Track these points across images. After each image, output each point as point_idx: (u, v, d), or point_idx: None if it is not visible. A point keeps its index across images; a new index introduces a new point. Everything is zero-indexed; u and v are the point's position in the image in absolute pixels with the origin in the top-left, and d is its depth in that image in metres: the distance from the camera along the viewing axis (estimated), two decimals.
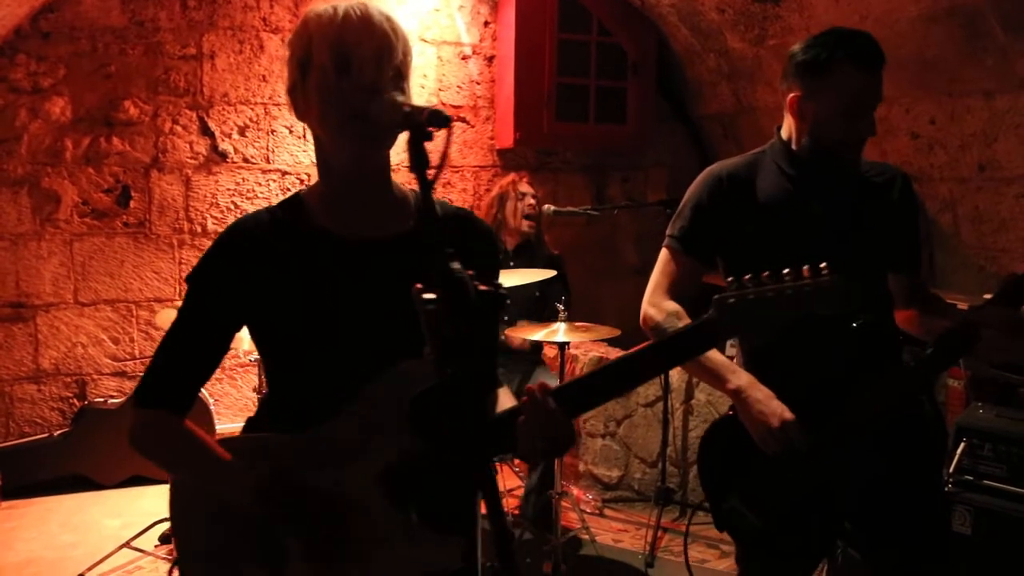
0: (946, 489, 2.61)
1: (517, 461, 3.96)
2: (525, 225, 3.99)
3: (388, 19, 1.30)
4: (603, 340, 3.63)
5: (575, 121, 4.85)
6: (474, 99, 5.00)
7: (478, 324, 0.98)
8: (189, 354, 1.39)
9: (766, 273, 1.32)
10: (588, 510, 4.05)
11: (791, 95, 1.98)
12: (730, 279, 1.32)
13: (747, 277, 1.32)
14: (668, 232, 2.08)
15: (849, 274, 1.88)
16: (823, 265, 1.33)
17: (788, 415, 1.85)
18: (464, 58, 4.96)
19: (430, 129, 1.08)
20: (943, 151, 3.68)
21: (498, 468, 3.98)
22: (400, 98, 1.15)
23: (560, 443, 1.27)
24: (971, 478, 2.62)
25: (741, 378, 1.94)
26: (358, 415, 1.31)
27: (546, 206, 4.01)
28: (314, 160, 1.43)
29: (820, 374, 1.93)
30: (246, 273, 1.35)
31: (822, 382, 1.92)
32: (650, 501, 3.97)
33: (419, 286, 0.98)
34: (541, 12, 4.67)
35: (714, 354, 1.99)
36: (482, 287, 0.97)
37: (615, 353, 4.30)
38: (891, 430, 1.94)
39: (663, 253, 2.09)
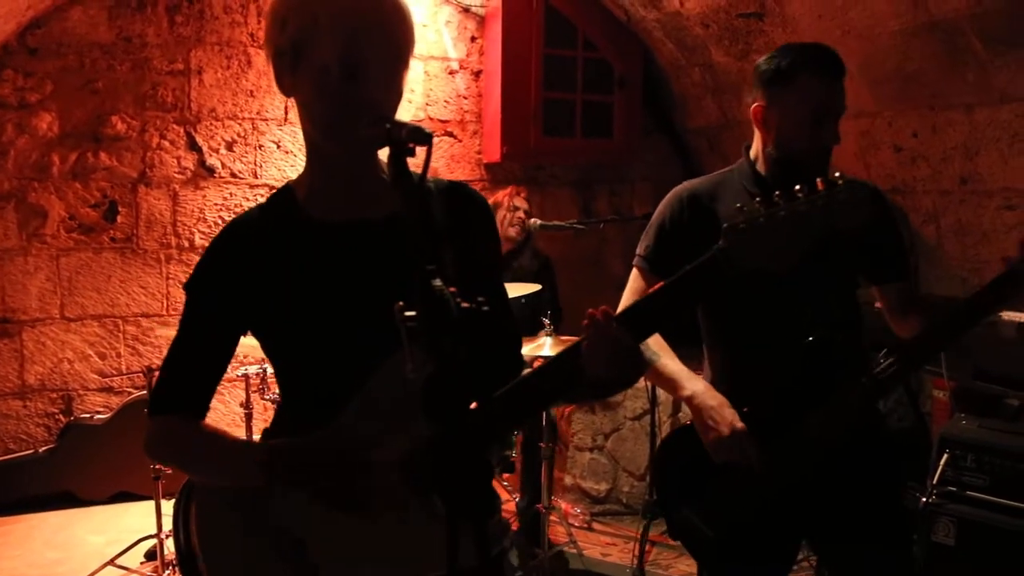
0: (929, 500, 2.63)
1: (507, 476, 3.95)
2: (513, 232, 4.03)
3: (403, 13, 1.25)
4: None
5: (562, 135, 4.87)
6: (461, 114, 5.03)
7: (461, 340, 0.98)
8: (196, 361, 1.37)
9: (778, 192, 1.21)
10: (576, 524, 4.05)
11: (755, 105, 2.01)
12: (740, 204, 1.22)
13: (757, 199, 1.21)
14: (637, 251, 2.11)
15: (812, 289, 1.93)
16: (837, 174, 1.22)
17: (739, 424, 1.86)
18: (451, 73, 4.98)
19: (411, 145, 1.08)
20: (926, 164, 3.71)
21: None
22: (387, 117, 1.13)
23: (627, 372, 1.21)
24: (954, 489, 2.63)
25: (696, 385, 1.96)
26: (368, 405, 1.27)
27: (532, 220, 4.04)
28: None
29: (779, 387, 1.94)
30: (243, 273, 1.33)
31: (781, 394, 1.93)
32: (638, 514, 3.98)
33: (400, 303, 0.99)
34: (527, 27, 4.70)
35: (672, 362, 2.02)
36: (464, 304, 0.98)
37: None
38: (850, 447, 1.93)
39: (633, 272, 2.12)
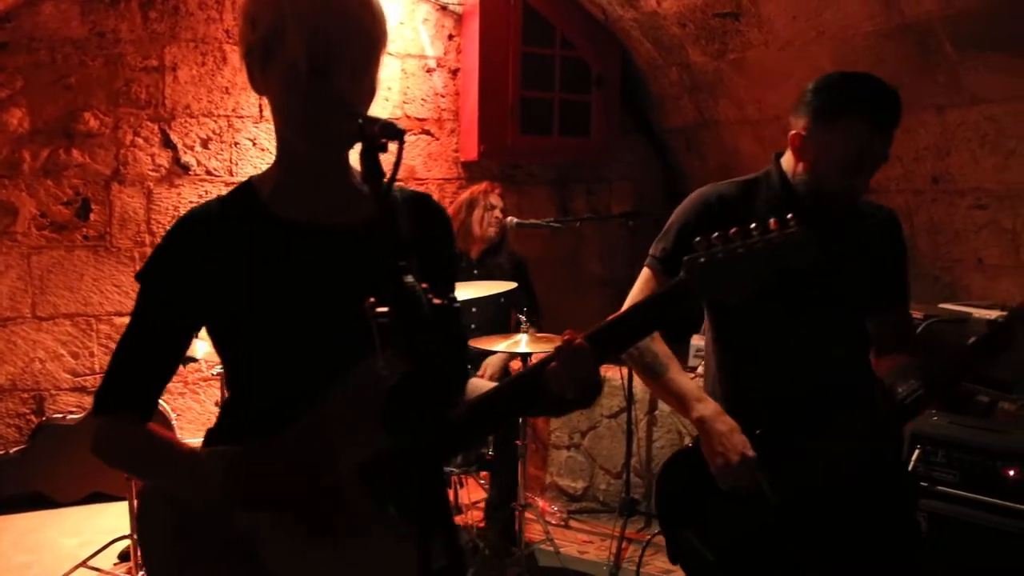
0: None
1: (484, 473, 3.95)
2: (490, 232, 4.03)
3: (374, 8, 1.25)
4: None
5: (539, 134, 4.88)
6: (439, 112, 5.02)
7: (434, 337, 0.98)
8: (147, 355, 1.32)
9: (733, 230, 1.28)
10: (553, 521, 4.06)
11: (794, 132, 1.88)
12: (698, 239, 1.28)
13: (715, 235, 1.27)
14: (651, 252, 2.03)
15: (827, 313, 1.90)
16: (790, 216, 1.28)
17: (749, 452, 1.82)
18: (429, 71, 4.97)
19: (383, 141, 1.07)
20: (899, 163, 3.75)
21: (463, 480, 3.98)
22: (355, 109, 1.13)
23: (589, 393, 1.25)
24: (925, 484, 2.66)
25: (707, 408, 1.90)
26: (327, 413, 1.26)
27: (509, 218, 4.05)
28: None
29: (792, 410, 1.89)
30: (199, 266, 1.29)
31: (794, 418, 1.88)
32: (615, 512, 3.99)
33: (372, 300, 0.98)
34: (505, 26, 4.70)
35: (682, 379, 1.97)
36: (436, 300, 0.98)
37: None
38: (860, 478, 1.88)
39: (644, 272, 2.04)
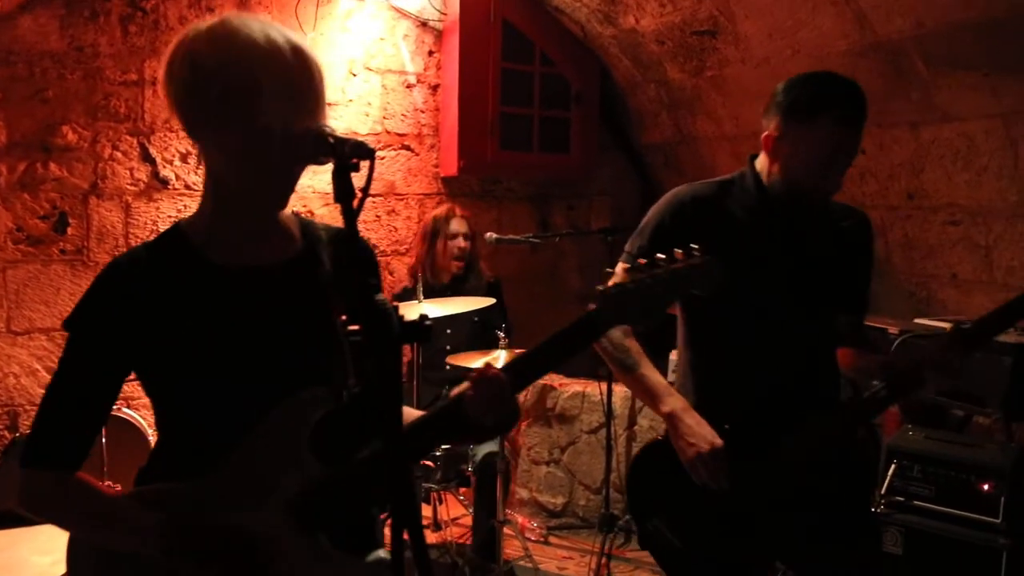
0: (878, 510, 2.68)
1: (463, 490, 3.94)
2: (454, 267, 4.02)
3: (323, 74, 1.28)
4: None
5: (519, 150, 4.89)
6: (419, 127, 5.03)
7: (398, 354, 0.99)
8: (76, 405, 1.31)
9: (643, 260, 1.40)
10: (532, 538, 4.05)
11: (766, 133, 1.94)
12: (608, 270, 1.44)
13: (625, 267, 1.41)
14: (627, 249, 2.07)
15: (797, 310, 1.96)
16: (694, 246, 1.42)
17: (718, 442, 1.87)
18: (409, 87, 4.98)
19: (354, 160, 1.08)
20: (874, 180, 3.80)
21: (442, 496, 3.97)
22: (326, 129, 1.14)
23: (505, 421, 1.33)
24: (902, 499, 2.68)
25: (676, 402, 1.96)
26: (258, 448, 1.28)
27: (488, 234, 4.04)
28: None
29: (760, 407, 1.96)
30: (128, 313, 1.28)
31: (762, 414, 1.95)
32: (595, 528, 3.98)
33: (344, 318, 0.99)
34: (485, 42, 4.72)
35: (654, 375, 2.03)
36: (407, 319, 0.98)
37: (559, 380, 4.32)
38: (824, 473, 1.96)
39: (619, 267, 2.07)
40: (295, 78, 1.22)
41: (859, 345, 2.14)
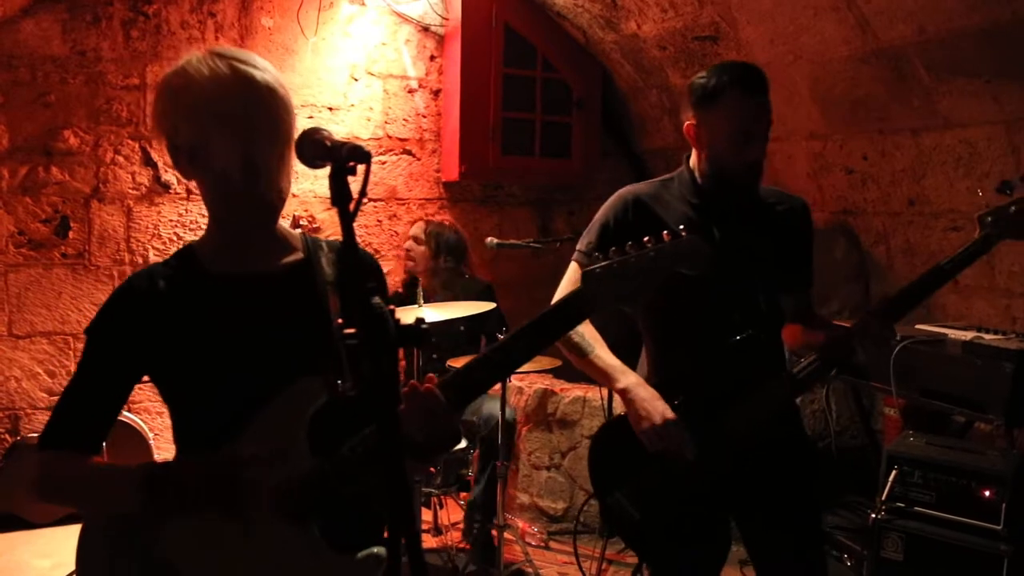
0: (878, 516, 2.67)
1: (463, 494, 3.94)
2: (407, 266, 4.15)
3: (286, 101, 1.34)
4: (547, 371, 3.64)
5: (520, 155, 4.90)
6: (420, 132, 5.03)
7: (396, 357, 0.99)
8: (90, 402, 1.40)
9: (630, 243, 1.39)
10: (533, 543, 4.04)
11: (687, 123, 2.11)
12: (596, 253, 1.39)
13: (612, 248, 1.38)
14: (577, 247, 2.23)
15: (741, 293, 2.09)
16: (682, 227, 1.42)
17: (670, 414, 1.99)
18: (410, 91, 4.99)
19: (351, 164, 1.09)
20: (875, 186, 3.80)
21: (443, 501, 3.96)
22: (323, 133, 1.15)
23: (439, 438, 1.25)
24: (902, 505, 2.68)
25: (629, 378, 2.08)
26: (254, 436, 1.32)
27: (488, 239, 4.03)
28: None
29: (707, 382, 2.08)
30: (143, 325, 1.37)
31: (709, 389, 2.08)
32: (595, 533, 3.97)
33: (340, 321, 0.99)
34: (486, 47, 4.73)
35: (608, 356, 2.14)
36: (403, 322, 0.98)
37: (560, 385, 4.32)
38: (769, 444, 2.09)
39: (572, 265, 2.24)
40: (247, 112, 1.28)
41: (807, 322, 2.28)
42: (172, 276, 1.41)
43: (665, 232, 1.41)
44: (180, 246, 1.53)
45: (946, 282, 2.14)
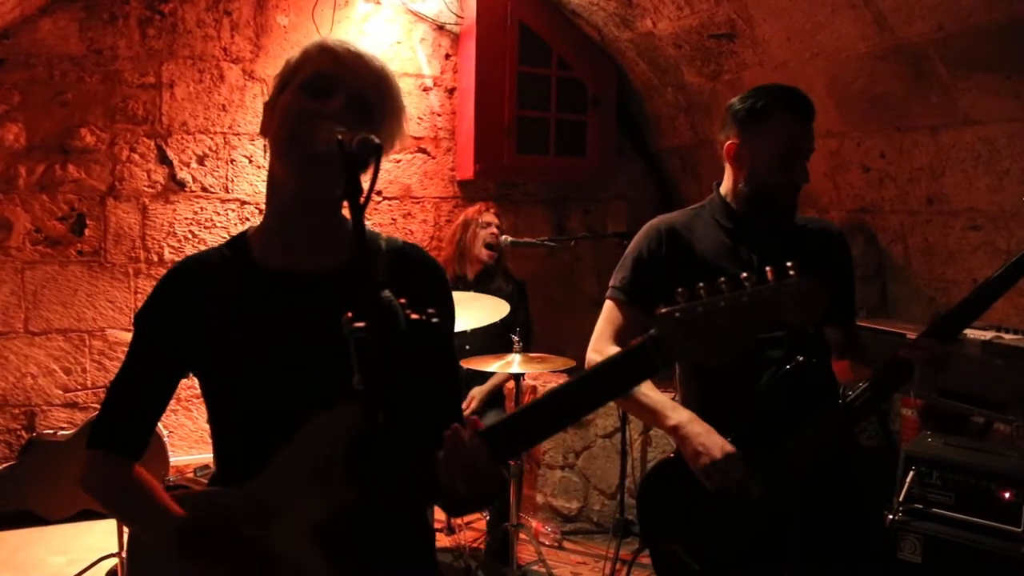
0: (896, 517, 2.64)
1: None
2: (484, 255, 4.02)
3: (382, 66, 1.31)
4: (561, 371, 3.63)
5: (535, 153, 4.88)
6: (435, 131, 5.03)
7: (411, 355, 0.97)
8: (138, 395, 1.38)
9: (723, 280, 1.10)
10: (547, 543, 4.03)
11: (728, 142, 2.06)
12: (681, 289, 1.11)
13: (701, 285, 1.09)
14: (611, 283, 2.14)
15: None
16: (789, 264, 1.11)
17: (729, 448, 1.85)
18: (425, 90, 4.99)
19: (361, 156, 1.06)
20: (893, 184, 3.76)
21: None
22: (341, 128, 1.11)
23: (483, 491, 1.11)
24: (920, 506, 2.64)
25: (681, 415, 1.94)
26: (289, 462, 1.25)
27: (503, 237, 4.04)
28: None
29: (759, 415, 1.96)
30: (188, 312, 1.33)
31: (761, 421, 1.95)
32: (609, 533, 3.95)
33: (349, 314, 0.97)
34: (501, 46, 4.72)
35: (652, 391, 2.01)
36: (413, 316, 0.96)
37: None
38: (830, 473, 1.97)
39: (607, 304, 2.14)
40: (335, 74, 1.27)
41: (855, 356, 2.19)
42: (222, 264, 1.37)
43: (769, 268, 1.11)
44: (196, 244, 1.50)
45: (1003, 292, 2.01)
